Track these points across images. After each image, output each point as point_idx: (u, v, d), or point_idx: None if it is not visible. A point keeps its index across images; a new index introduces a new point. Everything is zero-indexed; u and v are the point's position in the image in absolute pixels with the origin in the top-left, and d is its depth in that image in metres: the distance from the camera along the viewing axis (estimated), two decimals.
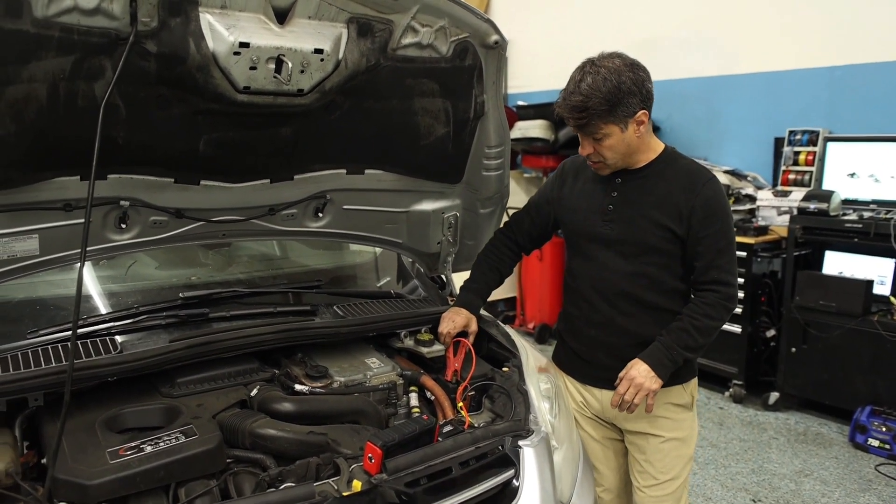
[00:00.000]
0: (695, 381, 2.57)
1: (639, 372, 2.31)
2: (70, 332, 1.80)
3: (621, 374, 2.35)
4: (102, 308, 2.58)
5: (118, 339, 2.25)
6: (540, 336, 6.78)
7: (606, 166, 2.36)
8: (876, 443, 4.50)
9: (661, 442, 2.49)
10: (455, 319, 2.58)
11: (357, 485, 1.80)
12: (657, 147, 2.42)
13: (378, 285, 3.36)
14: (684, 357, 2.34)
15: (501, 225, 2.89)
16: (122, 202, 2.22)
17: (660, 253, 2.38)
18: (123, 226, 2.30)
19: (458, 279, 3.02)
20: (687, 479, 2.57)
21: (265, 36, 1.93)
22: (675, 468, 2.51)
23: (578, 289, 2.56)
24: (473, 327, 2.60)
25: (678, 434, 2.51)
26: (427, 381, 2.45)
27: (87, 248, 2.29)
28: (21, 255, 2.16)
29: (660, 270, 2.39)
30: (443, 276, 3.08)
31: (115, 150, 2.04)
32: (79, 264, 2.48)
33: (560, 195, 2.60)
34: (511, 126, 6.59)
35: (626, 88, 2.19)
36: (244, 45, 1.90)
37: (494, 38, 2.36)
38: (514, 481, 2.03)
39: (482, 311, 2.75)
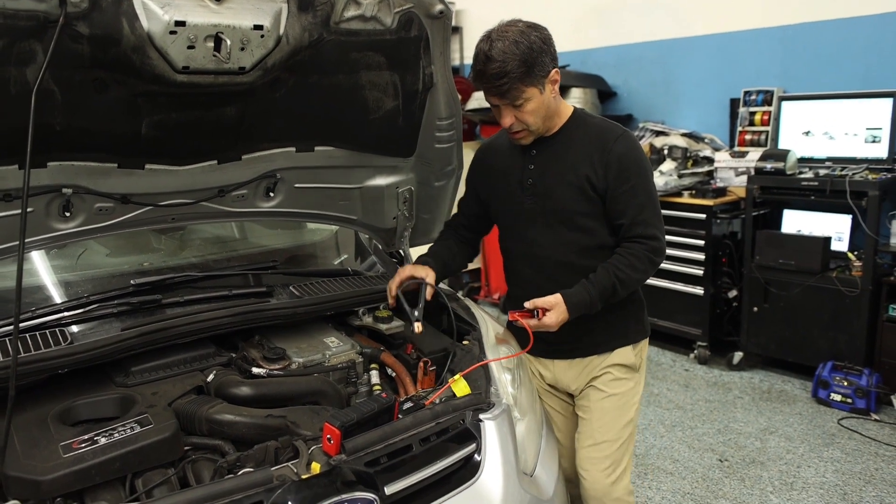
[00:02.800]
0: (645, 342, 2.56)
1: (556, 321, 2.22)
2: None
3: (539, 304, 2.24)
4: (53, 298, 2.51)
5: (69, 329, 2.20)
6: (505, 306, 6.76)
7: (530, 133, 2.33)
8: (838, 397, 4.58)
9: (603, 398, 2.49)
10: (402, 272, 2.46)
11: (316, 467, 1.78)
12: (567, 111, 2.42)
13: (336, 263, 3.32)
14: (597, 310, 2.31)
15: (456, 200, 2.86)
16: (64, 190, 2.16)
17: (585, 216, 2.36)
18: (68, 214, 2.24)
19: (416, 254, 2.99)
20: (629, 449, 2.52)
21: (202, 13, 1.87)
22: (614, 429, 2.48)
23: (516, 269, 2.56)
24: (422, 273, 2.46)
25: (618, 390, 2.49)
26: (387, 357, 2.44)
27: (33, 239, 2.25)
28: None
29: (589, 234, 2.38)
30: (401, 252, 3.06)
31: (54, 137, 1.98)
32: (29, 254, 2.47)
33: (481, 181, 2.60)
34: (468, 97, 6.55)
35: (537, 48, 2.19)
36: (180, 23, 1.84)
37: (439, 7, 2.32)
38: (476, 455, 2.02)
39: (442, 286, 2.65)
